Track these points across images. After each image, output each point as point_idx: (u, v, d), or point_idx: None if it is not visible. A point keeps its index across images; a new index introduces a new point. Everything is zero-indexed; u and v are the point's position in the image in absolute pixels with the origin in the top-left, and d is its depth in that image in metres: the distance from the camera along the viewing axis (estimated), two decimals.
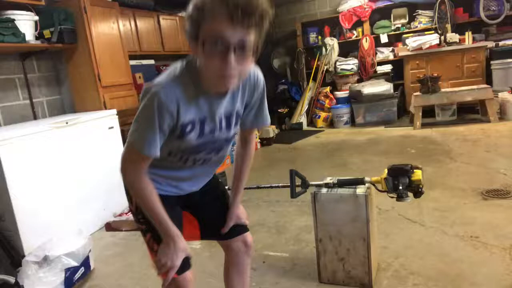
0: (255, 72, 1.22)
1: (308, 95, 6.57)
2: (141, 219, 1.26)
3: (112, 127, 3.20)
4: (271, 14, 1.00)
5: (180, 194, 1.34)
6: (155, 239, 1.25)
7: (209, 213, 1.44)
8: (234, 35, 0.96)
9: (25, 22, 2.98)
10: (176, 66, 1.12)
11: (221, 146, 1.27)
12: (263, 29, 1.01)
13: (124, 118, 3.38)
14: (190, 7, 1.00)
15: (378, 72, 6.27)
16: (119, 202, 3.09)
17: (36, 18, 3.08)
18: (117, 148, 3.13)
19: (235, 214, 1.40)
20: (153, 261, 1.26)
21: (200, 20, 0.98)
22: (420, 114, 5.16)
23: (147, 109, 1.06)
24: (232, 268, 1.47)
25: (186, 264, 1.25)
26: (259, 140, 5.34)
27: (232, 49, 0.97)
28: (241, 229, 1.42)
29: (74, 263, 2.16)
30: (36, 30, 3.11)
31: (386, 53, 6.31)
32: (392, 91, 5.74)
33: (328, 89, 6.53)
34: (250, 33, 0.97)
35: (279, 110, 6.62)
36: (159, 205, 1.18)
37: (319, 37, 6.75)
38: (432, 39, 5.61)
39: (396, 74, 6.23)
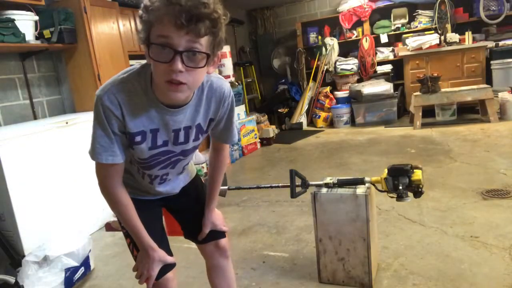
0: (222, 86, 1.15)
1: (308, 95, 6.56)
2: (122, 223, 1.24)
3: None
4: (225, 18, 0.95)
5: (156, 198, 1.33)
6: (134, 244, 1.24)
7: (186, 217, 1.42)
8: (180, 40, 0.90)
9: (25, 22, 2.97)
10: (128, 70, 1.07)
11: (177, 160, 1.21)
12: (217, 35, 0.95)
13: None
14: (141, 7, 0.94)
15: (378, 72, 6.27)
16: None
17: (36, 18, 3.08)
18: None
19: (209, 221, 1.37)
20: (133, 268, 1.25)
21: (149, 21, 0.92)
22: (420, 114, 5.16)
23: (96, 116, 1.04)
24: (212, 271, 1.46)
25: (166, 268, 1.23)
26: (259, 140, 5.35)
27: (179, 54, 0.91)
28: (215, 234, 1.39)
29: (74, 263, 2.16)
30: (36, 30, 3.10)
31: (386, 53, 6.31)
32: (392, 91, 5.74)
33: (328, 89, 6.52)
34: (199, 39, 0.91)
35: (279, 110, 6.62)
36: (133, 218, 1.16)
37: (319, 37, 6.75)
38: (432, 39, 5.60)
39: (396, 74, 6.23)
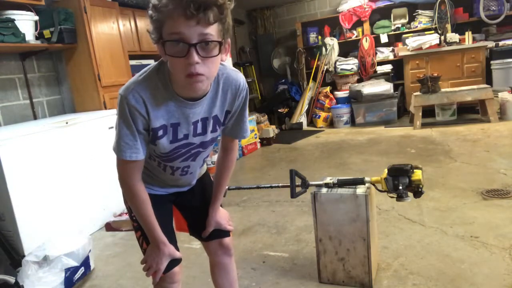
0: (238, 79, 1.18)
1: (308, 95, 6.57)
2: (134, 216, 1.27)
3: (112, 127, 3.17)
4: (230, 3, 0.98)
5: (169, 193, 1.36)
6: (145, 238, 1.26)
7: (193, 214, 1.44)
8: (192, 31, 0.93)
9: (25, 22, 2.97)
10: (147, 69, 1.10)
11: (197, 152, 1.25)
12: (225, 22, 0.98)
13: None
14: (149, 8, 0.96)
15: (378, 72, 6.27)
16: (119, 202, 3.07)
17: (36, 18, 3.08)
18: None
19: (214, 220, 1.39)
20: (142, 261, 1.27)
21: (160, 20, 0.95)
22: (420, 114, 5.16)
23: (121, 114, 1.08)
24: (215, 268, 1.48)
25: (173, 263, 1.26)
26: (259, 140, 5.35)
27: (194, 46, 0.94)
28: (219, 233, 1.41)
29: (74, 263, 2.16)
30: (36, 30, 3.11)
31: (386, 53, 6.31)
32: (392, 91, 5.74)
33: (328, 89, 6.53)
34: (209, 28, 0.94)
35: (279, 110, 6.62)
36: (149, 213, 1.18)
37: (319, 37, 6.75)
38: (432, 39, 5.61)
39: (396, 74, 6.24)
